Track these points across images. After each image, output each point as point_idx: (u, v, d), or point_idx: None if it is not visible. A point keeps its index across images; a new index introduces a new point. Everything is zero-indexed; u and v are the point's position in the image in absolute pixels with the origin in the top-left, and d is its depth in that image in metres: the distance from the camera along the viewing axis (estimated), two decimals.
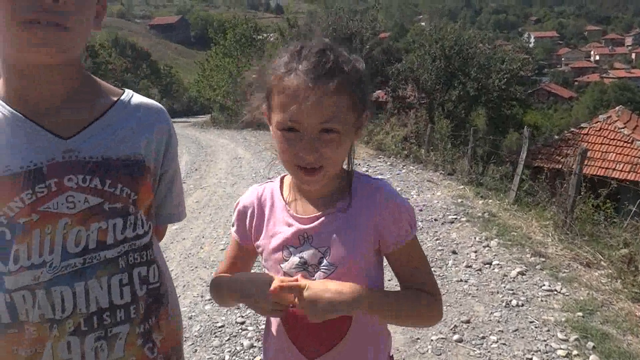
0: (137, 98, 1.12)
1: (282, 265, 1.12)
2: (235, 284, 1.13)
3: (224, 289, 1.17)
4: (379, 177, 6.65)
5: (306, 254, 1.09)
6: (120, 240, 1.02)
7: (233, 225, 1.24)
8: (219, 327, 3.59)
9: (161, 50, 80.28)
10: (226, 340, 3.40)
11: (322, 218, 1.09)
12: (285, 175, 1.20)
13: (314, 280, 1.07)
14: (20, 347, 0.97)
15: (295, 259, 1.10)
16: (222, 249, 5.26)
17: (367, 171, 8.98)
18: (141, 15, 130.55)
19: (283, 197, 1.16)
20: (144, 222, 1.08)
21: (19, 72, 0.96)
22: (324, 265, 1.08)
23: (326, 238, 1.08)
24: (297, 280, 1.04)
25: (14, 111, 0.96)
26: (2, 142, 0.94)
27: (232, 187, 8.65)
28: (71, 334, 0.97)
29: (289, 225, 1.12)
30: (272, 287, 1.01)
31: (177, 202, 1.24)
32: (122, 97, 1.09)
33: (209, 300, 4.03)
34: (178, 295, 1.24)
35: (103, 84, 1.11)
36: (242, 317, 3.69)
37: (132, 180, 1.03)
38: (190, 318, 3.73)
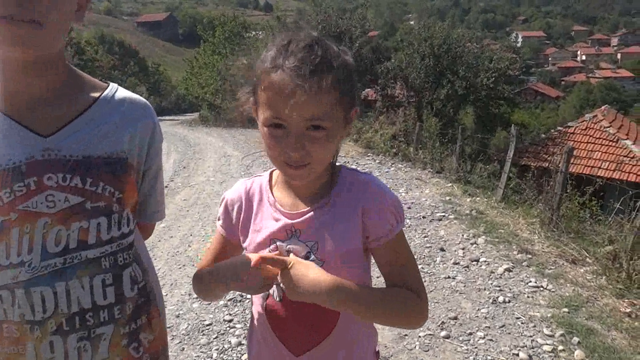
0: (122, 92, 1.10)
1: None
2: (218, 271, 1.10)
3: (208, 280, 1.14)
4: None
5: (293, 248, 1.08)
6: (107, 240, 1.01)
7: (219, 219, 1.22)
8: (207, 325, 3.57)
9: (149, 47, 79.65)
10: (214, 338, 3.39)
11: (311, 213, 1.08)
12: (274, 170, 1.19)
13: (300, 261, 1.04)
14: (2, 346, 0.95)
15: (282, 253, 1.09)
16: None
17: (355, 169, 8.98)
18: (129, 12, 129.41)
19: (272, 192, 1.15)
20: (130, 220, 1.07)
21: None
22: (311, 260, 1.07)
23: (314, 233, 1.07)
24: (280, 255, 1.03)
25: None
26: None
27: (221, 185, 8.60)
28: (53, 333, 0.96)
29: (277, 219, 1.11)
30: (254, 260, 0.99)
31: (160, 200, 1.23)
32: (105, 92, 1.07)
33: (197, 298, 4.01)
34: (165, 294, 1.23)
35: (87, 78, 1.09)
36: (230, 315, 3.68)
37: (115, 178, 1.01)
38: (177, 316, 3.71)
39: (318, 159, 1.01)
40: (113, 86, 1.11)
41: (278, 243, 1.10)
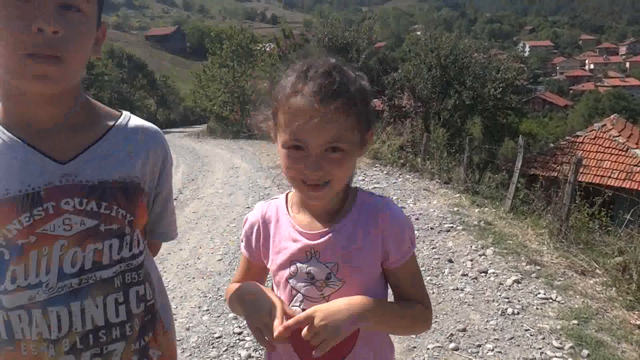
0: (134, 120, 1.15)
1: (290, 280, 1.14)
2: (245, 305, 1.13)
3: (236, 308, 1.18)
4: (376, 186, 6.63)
5: (314, 270, 1.11)
6: (117, 260, 1.04)
7: (242, 241, 1.27)
8: (217, 337, 3.59)
9: (157, 61, 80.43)
10: (224, 351, 3.41)
11: (330, 234, 1.11)
12: (289, 192, 1.23)
13: (317, 301, 1.10)
14: None
15: (302, 275, 1.12)
16: (219, 260, 5.27)
17: (363, 180, 9.02)
18: (137, 26, 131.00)
19: (288, 213, 1.19)
20: (140, 241, 1.11)
21: (17, 99, 0.99)
22: (332, 281, 1.10)
23: (333, 254, 1.11)
24: (295, 314, 1.05)
25: (13, 136, 0.98)
26: (2, 167, 0.96)
27: (229, 197, 8.65)
28: (67, 352, 0.99)
29: (295, 240, 1.14)
30: (276, 333, 1.01)
31: (171, 221, 1.28)
32: (119, 120, 1.12)
33: (207, 310, 4.04)
34: (175, 307, 1.27)
35: (101, 107, 1.14)
36: (240, 327, 3.70)
37: (128, 202, 1.06)
38: (187, 329, 3.73)
39: (336, 179, 1.05)
40: (126, 114, 1.15)
41: (298, 264, 1.13)
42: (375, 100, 18.47)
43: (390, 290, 1.22)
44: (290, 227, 1.16)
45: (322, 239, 1.11)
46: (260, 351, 3.36)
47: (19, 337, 0.97)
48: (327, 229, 1.12)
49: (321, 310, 1.04)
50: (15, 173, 0.96)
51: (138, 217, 1.09)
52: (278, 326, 1.01)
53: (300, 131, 1.00)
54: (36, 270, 0.96)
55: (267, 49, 26.17)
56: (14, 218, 0.95)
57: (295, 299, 1.14)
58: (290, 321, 1.02)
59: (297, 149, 1.03)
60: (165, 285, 1.25)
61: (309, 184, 1.04)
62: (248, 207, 7.60)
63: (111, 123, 1.10)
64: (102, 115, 1.11)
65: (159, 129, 1.20)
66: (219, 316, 3.92)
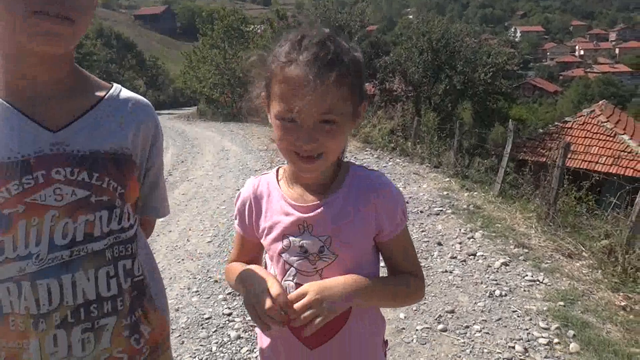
0: (125, 92, 1.13)
1: (283, 255, 1.13)
2: (245, 285, 1.13)
3: (237, 288, 1.20)
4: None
5: (307, 243, 1.11)
6: (107, 233, 1.03)
7: (235, 218, 1.26)
8: (206, 318, 3.60)
9: (146, 40, 79.27)
10: (213, 332, 3.42)
11: (322, 207, 1.11)
12: (280, 167, 1.22)
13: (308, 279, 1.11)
14: (7, 340, 0.97)
15: (295, 248, 1.12)
16: (209, 241, 5.27)
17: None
18: (126, 5, 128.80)
19: (280, 187, 1.18)
20: (130, 215, 1.09)
21: (14, 61, 0.96)
22: (325, 254, 1.10)
23: (326, 227, 1.10)
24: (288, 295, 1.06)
25: (4, 102, 0.96)
26: None
27: (219, 179, 8.62)
28: (58, 326, 0.97)
29: (288, 214, 1.13)
30: (267, 308, 1.02)
31: (162, 197, 1.26)
32: (111, 91, 1.10)
33: (196, 292, 4.04)
34: (164, 288, 1.26)
35: (92, 78, 1.12)
36: (229, 308, 3.71)
37: (119, 173, 1.04)
38: (177, 310, 3.74)
39: (329, 151, 1.05)
40: (117, 86, 1.14)
41: (291, 238, 1.12)
42: (367, 83, 18.41)
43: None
44: (282, 201, 1.15)
45: (315, 212, 1.11)
46: (249, 332, 3.38)
47: (7, 310, 0.96)
48: (319, 201, 1.12)
49: (315, 285, 1.05)
50: (3, 140, 0.94)
51: (129, 189, 1.07)
52: (271, 306, 1.01)
53: (294, 101, 0.99)
54: (25, 240, 0.94)
55: (259, 31, 25.87)
56: (2, 186, 0.92)
57: (288, 273, 1.13)
58: (281, 299, 1.02)
59: (290, 120, 1.01)
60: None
61: (302, 155, 1.03)
62: (238, 190, 7.50)
63: (102, 93, 1.08)
64: (93, 85, 1.10)
65: (150, 103, 1.18)
66: (209, 297, 3.93)
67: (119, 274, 1.06)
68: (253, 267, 1.18)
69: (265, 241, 1.18)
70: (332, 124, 1.02)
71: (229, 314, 3.64)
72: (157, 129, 1.17)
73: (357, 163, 1.23)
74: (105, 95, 1.08)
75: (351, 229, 1.10)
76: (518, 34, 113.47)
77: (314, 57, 0.98)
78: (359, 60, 1.07)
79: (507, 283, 4.01)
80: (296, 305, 1.02)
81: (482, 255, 4.60)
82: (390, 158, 10.12)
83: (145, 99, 1.17)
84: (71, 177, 0.98)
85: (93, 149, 1.01)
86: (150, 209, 1.24)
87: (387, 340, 1.31)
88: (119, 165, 1.04)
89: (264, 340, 1.25)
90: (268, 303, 1.01)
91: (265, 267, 1.22)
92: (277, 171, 1.22)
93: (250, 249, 1.27)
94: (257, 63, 1.11)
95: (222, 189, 7.84)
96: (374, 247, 1.18)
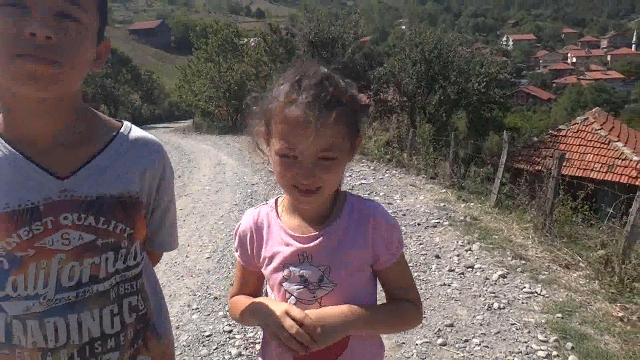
0: (135, 132, 1.15)
1: (283, 284, 1.17)
2: (255, 316, 1.19)
3: (246, 319, 1.24)
4: (363, 182, 6.65)
5: (306, 273, 1.15)
6: (112, 273, 1.06)
7: (236, 251, 1.29)
8: (207, 336, 3.61)
9: (141, 55, 79.52)
10: (214, 349, 3.43)
11: (321, 237, 1.15)
12: (278, 197, 1.26)
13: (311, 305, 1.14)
14: None
15: (296, 278, 1.16)
16: (208, 257, 5.27)
17: (350, 175, 9.05)
18: (121, 19, 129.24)
19: (279, 218, 1.22)
20: (137, 253, 1.12)
21: (15, 108, 0.99)
22: (324, 283, 1.14)
23: (326, 257, 1.14)
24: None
25: (13, 149, 0.99)
26: (1, 180, 0.97)
27: (217, 194, 8.63)
28: None
29: (288, 244, 1.17)
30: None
31: (169, 232, 1.27)
32: (120, 132, 1.12)
33: (196, 309, 4.05)
34: (168, 315, 1.28)
35: (102, 118, 1.14)
36: (230, 325, 3.72)
37: (126, 215, 1.06)
38: (177, 328, 3.74)
39: (327, 184, 1.09)
40: (127, 125, 1.15)
41: (291, 268, 1.16)
42: (361, 94, 18.52)
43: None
44: (282, 232, 1.19)
45: (314, 242, 1.15)
46: (250, 349, 3.38)
47: (17, 342, 0.99)
48: (318, 232, 1.16)
49: (314, 314, 1.09)
50: (14, 188, 0.97)
51: (137, 230, 1.10)
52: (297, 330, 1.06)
53: (295, 140, 1.03)
54: (34, 282, 0.98)
55: (252, 44, 26.00)
56: (13, 232, 0.96)
57: (288, 301, 1.16)
58: (308, 321, 1.07)
59: (291, 157, 1.06)
60: None
61: (300, 189, 1.08)
62: (236, 204, 7.60)
63: (112, 135, 1.10)
64: (102, 127, 1.11)
65: (159, 142, 1.19)
66: (209, 314, 3.94)
67: (124, 311, 1.09)
68: (262, 298, 1.22)
69: (266, 271, 1.21)
70: (330, 160, 1.06)
71: (230, 331, 3.64)
72: (165, 168, 1.18)
73: (354, 175, 1.28)
74: (114, 136, 1.10)
75: (349, 259, 1.15)
76: (510, 43, 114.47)
77: (313, 98, 1.02)
78: (355, 98, 1.12)
79: (505, 295, 4.04)
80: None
81: (480, 268, 4.63)
82: (387, 170, 10.17)
83: (154, 138, 1.18)
84: (78, 222, 1.00)
85: (99, 194, 1.03)
86: (157, 244, 1.26)
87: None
88: (125, 207, 1.06)
89: None
90: (293, 326, 1.05)
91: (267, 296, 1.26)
92: (276, 201, 1.26)
93: (252, 282, 1.30)
94: (257, 101, 1.16)
95: (220, 203, 7.85)
96: (372, 275, 1.22)
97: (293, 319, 1.06)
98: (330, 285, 1.14)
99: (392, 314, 1.20)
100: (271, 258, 1.19)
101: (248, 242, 1.25)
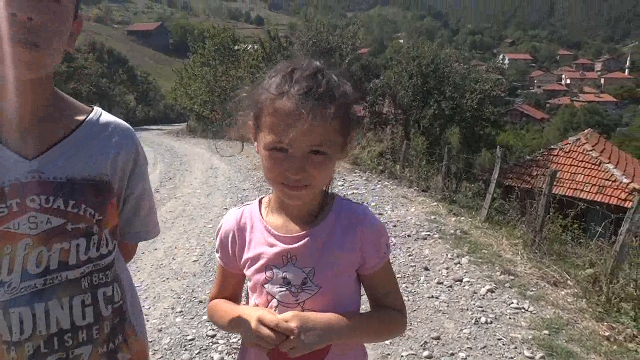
0: (105, 117, 1.12)
1: (265, 286, 1.12)
2: (231, 322, 1.15)
3: (222, 324, 1.19)
4: (355, 191, 6.64)
5: (290, 275, 1.10)
6: (84, 261, 1.01)
7: (217, 251, 1.24)
8: (189, 340, 3.54)
9: (139, 56, 79.36)
10: (196, 354, 3.36)
11: (307, 238, 1.10)
12: (263, 197, 1.22)
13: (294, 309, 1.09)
14: None
15: (279, 280, 1.11)
16: (195, 261, 5.21)
17: (342, 185, 9.03)
18: (119, 20, 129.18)
19: (263, 218, 1.17)
20: (108, 241, 1.07)
21: None
22: (307, 286, 1.09)
23: (311, 258, 1.10)
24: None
25: None
26: None
27: (207, 197, 8.58)
28: (31, 356, 0.95)
29: (272, 245, 1.12)
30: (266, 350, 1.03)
31: (145, 222, 1.23)
32: (90, 116, 1.09)
33: (180, 312, 3.98)
34: (148, 307, 1.24)
35: (72, 102, 1.11)
36: (213, 330, 3.66)
37: (97, 200, 1.03)
38: (160, 330, 3.67)
39: (317, 180, 1.05)
40: (97, 110, 1.12)
41: (274, 270, 1.11)
42: (357, 106, 18.54)
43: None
44: (265, 232, 1.14)
45: (300, 243, 1.10)
46: (233, 355, 3.33)
47: None
48: (304, 232, 1.11)
49: (298, 317, 1.04)
50: None
51: (107, 216, 1.06)
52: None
53: (285, 133, 0.99)
54: None
55: (250, 49, 26.04)
56: None
57: (270, 304, 1.12)
58: (267, 331, 1.02)
59: (279, 151, 1.01)
60: (138, 285, 1.22)
61: (289, 185, 1.04)
62: (226, 209, 7.54)
63: (81, 118, 1.07)
64: (72, 110, 1.08)
65: (130, 127, 1.16)
66: (193, 318, 3.88)
67: (99, 302, 1.04)
68: (237, 307, 1.18)
69: (248, 272, 1.17)
70: (322, 155, 1.02)
71: (213, 336, 3.58)
72: (137, 153, 1.14)
73: (346, 184, 1.24)
74: (84, 120, 1.07)
75: (336, 261, 1.10)
76: (506, 61, 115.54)
77: (305, 91, 0.98)
78: (348, 93, 1.07)
79: (492, 310, 4.01)
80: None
81: (469, 281, 4.60)
82: (379, 180, 10.16)
83: (125, 123, 1.15)
84: (46, 205, 0.96)
85: (69, 176, 0.99)
86: (131, 235, 1.21)
87: None
88: (97, 192, 1.03)
89: None
90: (269, 335, 1.01)
91: (247, 298, 1.21)
92: (260, 201, 1.22)
93: (232, 284, 1.25)
94: (247, 93, 1.12)
95: (210, 207, 7.79)
96: (356, 279, 1.17)
97: (267, 326, 1.02)
98: (315, 289, 1.09)
99: (378, 322, 1.16)
100: (254, 259, 1.14)
101: (230, 244, 1.20)
